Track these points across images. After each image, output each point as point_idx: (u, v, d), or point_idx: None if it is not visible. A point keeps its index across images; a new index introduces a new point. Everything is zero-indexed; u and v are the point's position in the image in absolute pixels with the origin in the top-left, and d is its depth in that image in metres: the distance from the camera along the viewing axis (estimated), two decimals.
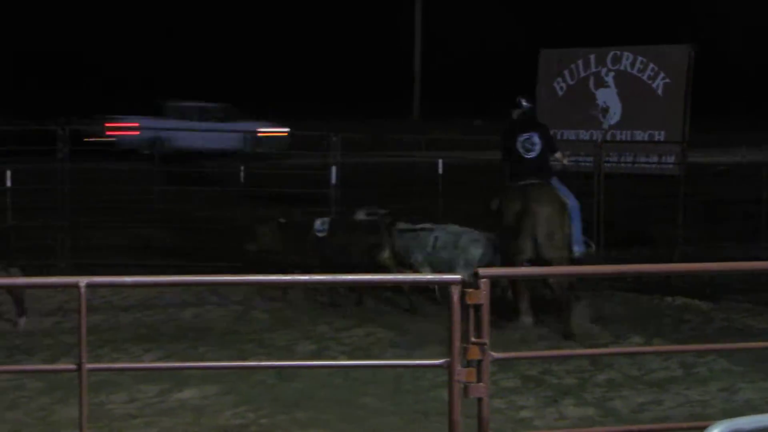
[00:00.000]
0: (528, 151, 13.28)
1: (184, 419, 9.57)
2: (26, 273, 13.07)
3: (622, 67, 17.88)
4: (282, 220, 14.69)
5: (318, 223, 14.47)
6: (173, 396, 10.13)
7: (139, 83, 42.40)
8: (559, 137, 17.03)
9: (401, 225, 14.54)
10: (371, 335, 12.58)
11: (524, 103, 13.60)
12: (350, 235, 14.37)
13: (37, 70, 45.45)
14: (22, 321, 12.84)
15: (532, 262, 12.74)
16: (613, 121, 17.87)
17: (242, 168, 16.49)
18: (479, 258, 13.82)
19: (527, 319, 12.91)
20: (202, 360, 11.32)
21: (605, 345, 12.03)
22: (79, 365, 7.09)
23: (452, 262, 13.98)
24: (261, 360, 11.38)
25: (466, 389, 7.09)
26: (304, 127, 27.23)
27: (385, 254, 14.21)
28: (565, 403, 10.03)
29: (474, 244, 14.04)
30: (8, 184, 16.33)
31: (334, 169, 16.63)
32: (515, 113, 13.60)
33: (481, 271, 7.17)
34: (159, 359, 11.47)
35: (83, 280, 7.16)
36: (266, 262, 14.15)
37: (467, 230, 14.25)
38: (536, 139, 13.31)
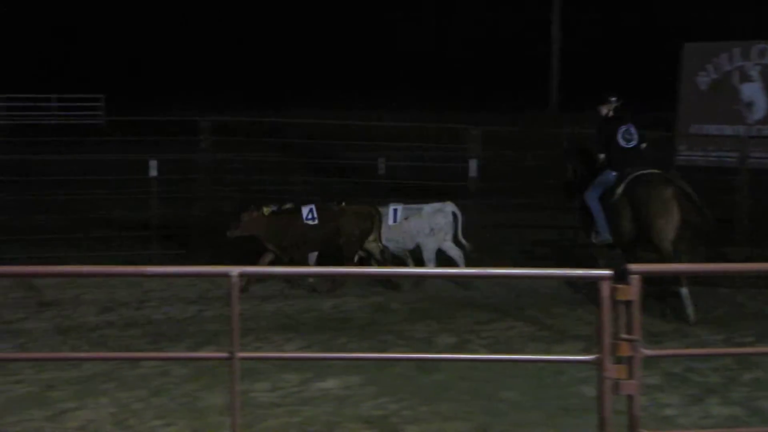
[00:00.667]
0: (628, 141, 13.74)
1: (326, 408, 9.62)
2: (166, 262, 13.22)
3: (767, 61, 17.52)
4: (271, 208, 14.62)
5: (306, 211, 14.52)
6: (315, 385, 10.20)
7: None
8: (701, 132, 16.80)
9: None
10: (511, 329, 12.52)
11: (612, 99, 13.90)
12: (339, 222, 14.44)
13: None
14: None
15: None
16: (758, 116, 17.54)
17: (382, 160, 16.58)
18: (443, 226, 14.64)
19: (692, 314, 12.81)
20: (342, 350, 11.39)
21: (751, 344, 11.80)
22: (231, 354, 7.16)
23: (419, 231, 14.65)
24: (401, 352, 11.41)
25: (616, 386, 7.01)
26: (443, 119, 27.23)
27: (373, 239, 14.50)
28: (710, 402, 9.85)
29: (437, 213, 14.73)
30: (153, 174, 16.61)
31: (473, 162, 16.61)
32: (605, 108, 13.90)
33: (632, 267, 7.09)
34: (301, 349, 11.57)
35: (235, 270, 7.18)
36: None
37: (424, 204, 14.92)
38: (633, 130, 13.79)
